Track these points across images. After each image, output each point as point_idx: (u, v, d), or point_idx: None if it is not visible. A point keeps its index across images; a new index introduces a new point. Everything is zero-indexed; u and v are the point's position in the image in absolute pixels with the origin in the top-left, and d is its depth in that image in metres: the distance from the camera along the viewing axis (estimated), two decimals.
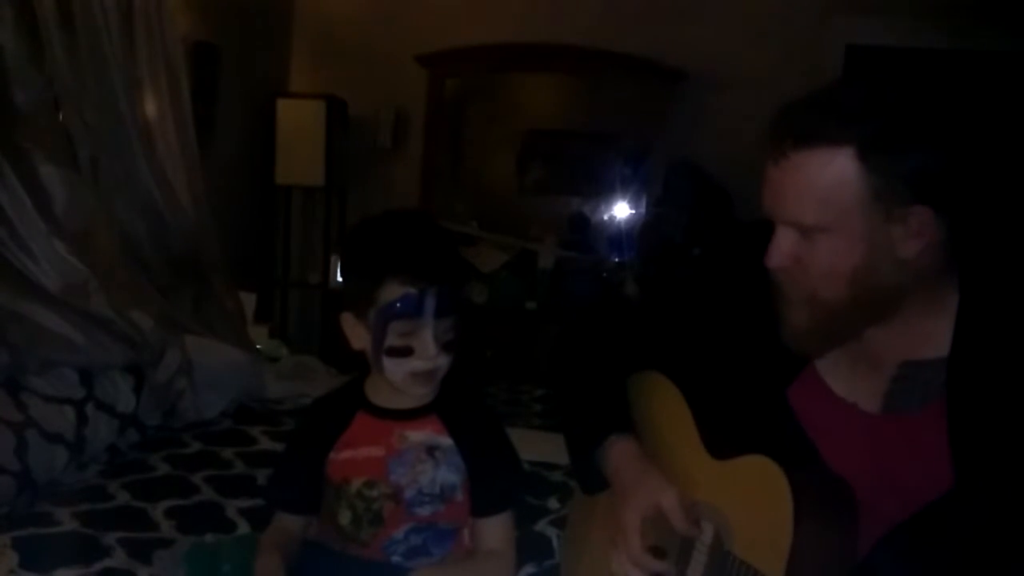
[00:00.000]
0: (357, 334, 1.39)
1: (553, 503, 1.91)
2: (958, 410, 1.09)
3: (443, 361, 1.37)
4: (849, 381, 1.19)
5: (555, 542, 1.74)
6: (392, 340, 1.34)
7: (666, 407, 1.34)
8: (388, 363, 1.36)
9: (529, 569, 1.66)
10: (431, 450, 1.40)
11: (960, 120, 1.07)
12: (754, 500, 1.13)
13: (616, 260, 4.11)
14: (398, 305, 1.32)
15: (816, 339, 1.16)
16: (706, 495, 1.21)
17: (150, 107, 2.79)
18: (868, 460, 1.14)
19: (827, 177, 1.05)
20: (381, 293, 1.33)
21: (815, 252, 1.09)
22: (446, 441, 1.41)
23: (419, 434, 1.41)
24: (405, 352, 1.34)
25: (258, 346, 3.05)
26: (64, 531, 1.69)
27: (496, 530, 1.42)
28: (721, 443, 1.23)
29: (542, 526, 1.81)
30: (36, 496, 1.87)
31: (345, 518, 1.41)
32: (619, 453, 1.28)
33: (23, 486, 1.87)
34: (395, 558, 1.41)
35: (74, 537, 1.67)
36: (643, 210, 4.08)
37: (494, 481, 1.42)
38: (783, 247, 1.11)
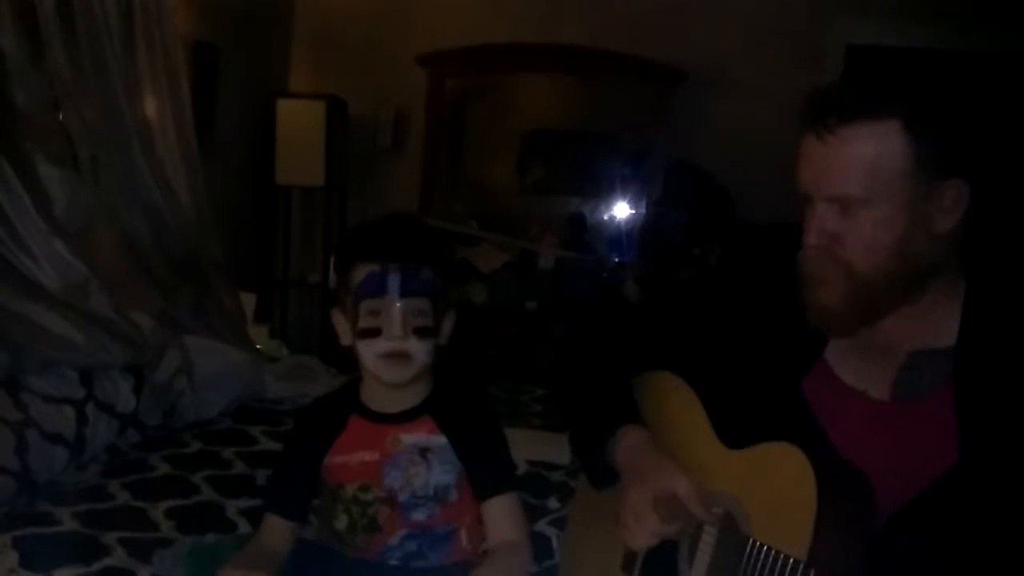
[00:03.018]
0: (343, 328, 1.42)
1: (553, 503, 1.91)
2: (965, 395, 1.13)
3: (415, 345, 1.36)
4: (858, 371, 1.22)
5: (555, 542, 1.74)
6: (363, 322, 1.36)
7: (677, 403, 1.35)
8: (361, 347, 1.38)
9: (529, 569, 1.66)
10: (423, 452, 1.40)
11: (991, 102, 1.15)
12: (774, 485, 1.15)
13: (616, 260, 4.11)
14: (363, 284, 1.36)
15: (848, 317, 1.17)
16: (721, 483, 1.22)
17: (150, 107, 2.79)
18: (878, 446, 1.17)
19: (874, 150, 1.10)
20: (352, 277, 1.38)
21: (858, 225, 1.12)
22: (439, 440, 1.41)
23: (413, 436, 1.41)
24: (374, 333, 1.36)
25: (258, 346, 3.05)
26: (64, 531, 1.69)
27: (505, 515, 1.41)
28: (735, 434, 1.24)
29: (542, 526, 1.81)
30: (36, 496, 1.87)
31: (341, 523, 1.41)
32: (631, 442, 1.29)
33: (23, 486, 1.86)
34: (392, 562, 1.40)
35: (74, 537, 1.67)
36: (643, 210, 4.07)
37: (491, 463, 1.42)
38: (825, 223, 1.14)
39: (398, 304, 1.34)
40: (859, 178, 1.10)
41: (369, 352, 1.37)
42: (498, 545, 1.40)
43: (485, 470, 1.41)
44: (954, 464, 1.11)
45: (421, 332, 1.36)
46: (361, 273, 1.36)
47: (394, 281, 1.34)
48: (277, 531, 1.45)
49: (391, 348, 1.36)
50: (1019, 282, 1.19)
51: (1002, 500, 1.10)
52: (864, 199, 1.10)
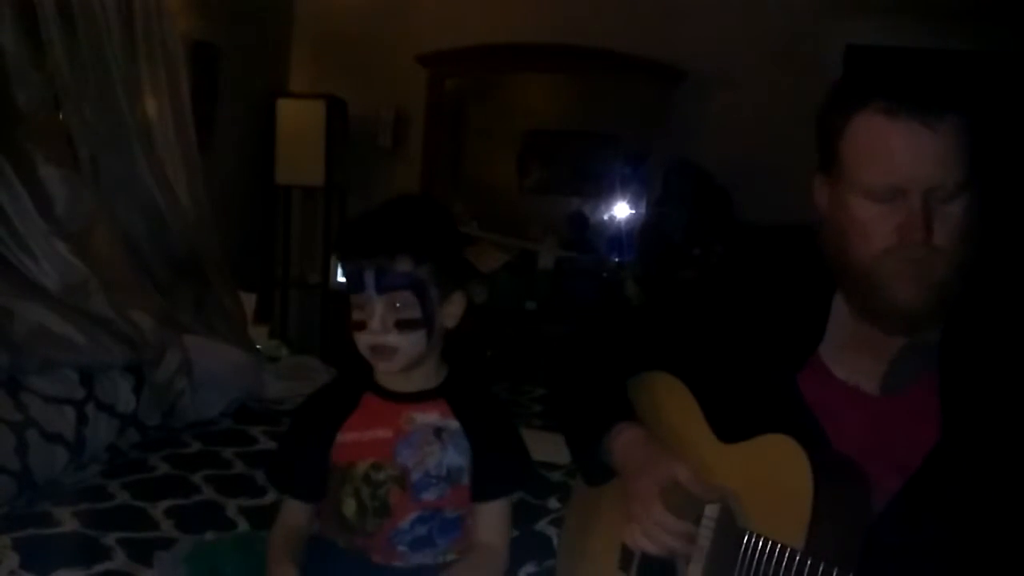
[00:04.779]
0: None
1: (553, 503, 1.91)
2: (949, 381, 1.15)
3: (397, 339, 1.36)
4: (851, 366, 1.23)
5: (555, 542, 1.74)
6: (353, 315, 1.38)
7: (672, 401, 1.36)
8: (355, 338, 1.39)
9: (529, 568, 1.66)
10: (438, 432, 1.41)
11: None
12: (770, 476, 1.15)
13: (616, 260, 4.11)
14: (346, 280, 1.38)
15: (930, 314, 1.14)
16: (717, 478, 1.23)
17: (150, 107, 2.79)
18: (870, 439, 1.18)
19: (969, 136, 1.09)
20: (343, 271, 1.41)
21: (953, 213, 1.10)
22: (453, 424, 1.41)
23: (427, 416, 1.41)
24: (361, 326, 1.37)
25: (258, 346, 3.05)
26: (64, 531, 1.69)
27: (492, 520, 1.42)
28: (731, 430, 1.25)
29: (542, 526, 1.81)
30: (36, 496, 1.87)
31: (350, 508, 1.40)
32: (628, 438, 1.30)
33: (23, 486, 1.87)
34: (400, 548, 1.40)
35: (74, 537, 1.67)
36: (643, 210, 4.07)
37: (495, 466, 1.42)
38: (931, 216, 1.09)
39: (376, 300, 1.35)
40: (962, 164, 1.09)
41: (361, 344, 1.39)
42: (476, 545, 1.42)
43: (486, 473, 1.42)
44: (935, 444, 1.14)
45: (403, 325, 1.36)
46: (345, 268, 1.39)
47: (369, 278, 1.35)
48: (298, 512, 1.46)
49: (372, 342, 1.37)
50: (998, 272, 1.21)
51: (986, 480, 1.12)
52: (962, 185, 1.09)
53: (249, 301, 3.22)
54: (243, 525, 1.81)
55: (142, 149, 2.69)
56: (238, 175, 3.88)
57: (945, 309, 1.15)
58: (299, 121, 3.93)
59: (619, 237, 4.16)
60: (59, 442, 1.97)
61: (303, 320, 4.34)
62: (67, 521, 1.72)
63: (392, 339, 1.36)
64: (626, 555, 1.31)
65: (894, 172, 1.10)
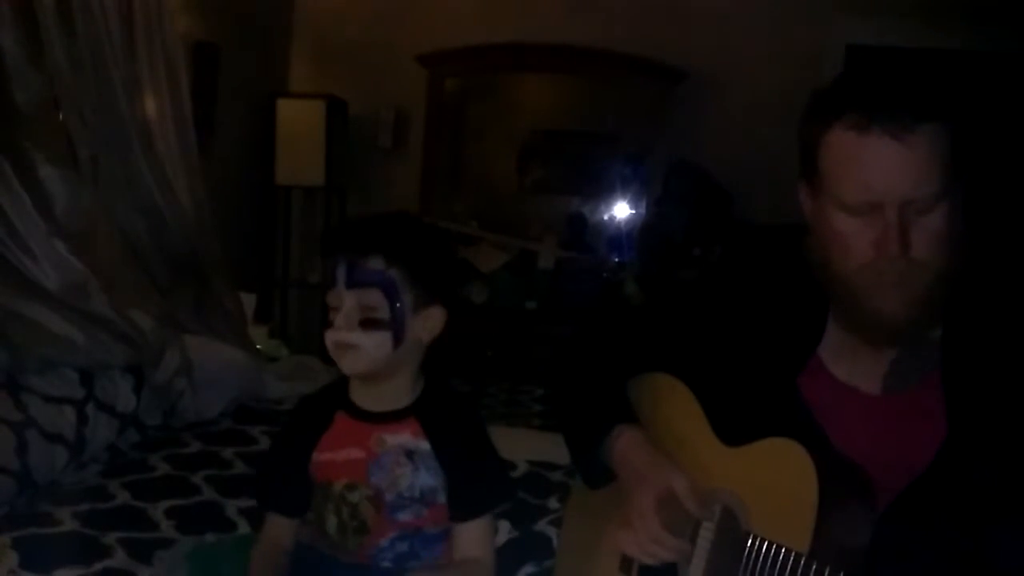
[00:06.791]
0: None
1: (553, 503, 1.91)
2: (952, 379, 1.15)
3: (360, 338, 1.35)
4: (850, 366, 1.22)
5: (555, 542, 1.74)
6: (329, 314, 1.38)
7: (674, 403, 1.36)
8: (325, 337, 1.39)
9: (529, 569, 1.66)
10: (409, 454, 1.39)
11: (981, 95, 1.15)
12: (774, 481, 1.15)
13: (616, 260, 4.11)
14: (325, 277, 1.39)
15: (914, 324, 1.14)
16: (721, 481, 1.22)
17: (150, 107, 2.78)
18: (872, 439, 1.18)
19: (945, 145, 1.08)
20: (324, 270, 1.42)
21: (931, 224, 1.09)
22: (423, 445, 1.40)
23: (397, 437, 1.40)
24: (330, 325, 1.37)
25: (258, 346, 3.05)
26: (64, 531, 1.69)
27: (473, 536, 1.41)
28: (734, 432, 1.25)
29: (542, 526, 1.81)
30: (36, 496, 1.87)
31: (331, 525, 1.41)
32: (627, 442, 1.29)
33: (23, 486, 1.87)
34: (385, 563, 1.40)
35: (74, 537, 1.67)
36: (643, 210, 4.08)
37: (471, 486, 1.41)
38: (906, 228, 1.08)
39: (344, 295, 1.35)
40: (936, 174, 1.07)
41: (327, 342, 1.38)
42: (461, 560, 1.40)
43: (463, 491, 1.40)
44: (942, 444, 1.13)
45: (367, 324, 1.35)
46: (325, 266, 1.41)
47: (340, 272, 1.35)
48: (280, 527, 1.46)
49: (335, 338, 1.36)
50: (996, 270, 1.21)
51: (994, 477, 1.11)
52: (939, 195, 1.08)
53: (249, 301, 3.21)
54: (243, 526, 1.81)
55: (142, 149, 2.68)
56: (238, 175, 3.88)
57: (930, 318, 1.15)
58: (299, 121, 3.93)
59: (619, 237, 4.16)
60: (59, 442, 1.97)
61: (303, 320, 4.33)
62: (67, 521, 1.72)
63: (355, 337, 1.35)
64: (626, 557, 1.31)
65: (868, 187, 1.09)
